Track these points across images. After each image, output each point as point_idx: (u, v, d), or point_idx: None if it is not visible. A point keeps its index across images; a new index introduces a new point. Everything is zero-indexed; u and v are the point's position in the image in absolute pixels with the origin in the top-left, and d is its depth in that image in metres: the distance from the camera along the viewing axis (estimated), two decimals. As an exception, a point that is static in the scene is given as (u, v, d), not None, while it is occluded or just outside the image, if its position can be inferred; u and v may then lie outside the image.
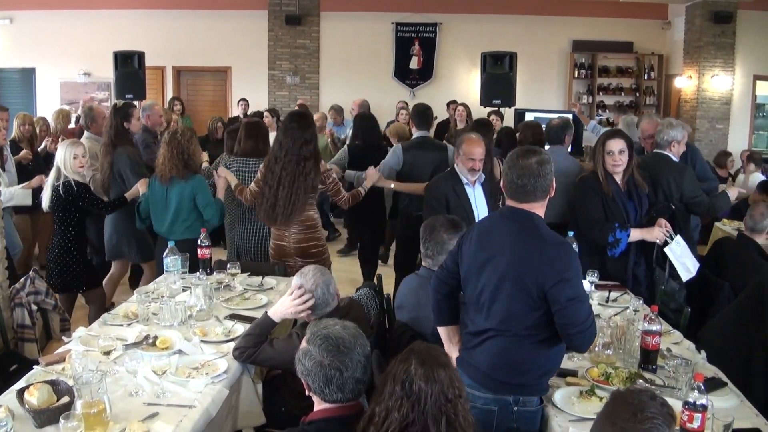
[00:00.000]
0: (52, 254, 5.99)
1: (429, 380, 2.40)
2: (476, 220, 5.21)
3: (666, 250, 5.24)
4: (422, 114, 7.22)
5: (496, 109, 10.86)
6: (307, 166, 5.53)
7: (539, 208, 3.24)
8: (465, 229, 4.14)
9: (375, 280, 5.19)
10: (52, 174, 5.93)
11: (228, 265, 5.37)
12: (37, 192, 6.53)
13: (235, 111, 13.43)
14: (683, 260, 5.27)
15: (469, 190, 5.64)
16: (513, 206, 3.27)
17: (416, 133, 7.13)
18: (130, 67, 11.62)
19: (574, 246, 4.22)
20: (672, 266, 5.27)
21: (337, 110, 11.72)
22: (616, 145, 5.28)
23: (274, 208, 5.58)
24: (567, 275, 3.02)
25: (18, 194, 6.53)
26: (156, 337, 4.00)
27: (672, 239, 5.25)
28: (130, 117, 6.80)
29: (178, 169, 5.74)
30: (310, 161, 5.54)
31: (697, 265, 5.33)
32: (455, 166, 5.67)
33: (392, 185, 6.62)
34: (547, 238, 3.13)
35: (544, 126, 7.16)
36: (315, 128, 5.74)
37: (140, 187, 6.16)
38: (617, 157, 5.28)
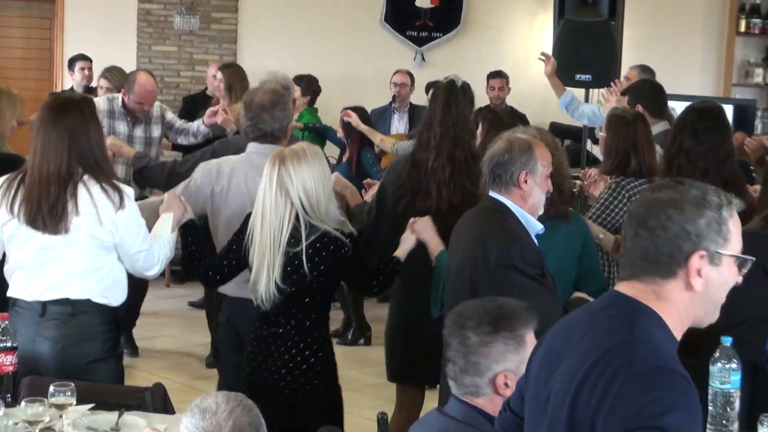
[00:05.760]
0: None
1: None
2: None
3: None
4: (656, 93, 5.47)
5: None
6: None
7: (666, 302, 1.89)
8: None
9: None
10: None
11: (52, 389, 3.19)
12: None
13: (69, 80, 8.60)
14: None
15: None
16: (623, 288, 1.95)
17: (656, 126, 5.19)
18: None
19: None
20: None
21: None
22: None
23: None
24: (656, 423, 1.82)
25: None
26: None
27: None
28: None
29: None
30: None
31: None
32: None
33: None
34: (637, 361, 1.82)
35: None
36: None
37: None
38: None
